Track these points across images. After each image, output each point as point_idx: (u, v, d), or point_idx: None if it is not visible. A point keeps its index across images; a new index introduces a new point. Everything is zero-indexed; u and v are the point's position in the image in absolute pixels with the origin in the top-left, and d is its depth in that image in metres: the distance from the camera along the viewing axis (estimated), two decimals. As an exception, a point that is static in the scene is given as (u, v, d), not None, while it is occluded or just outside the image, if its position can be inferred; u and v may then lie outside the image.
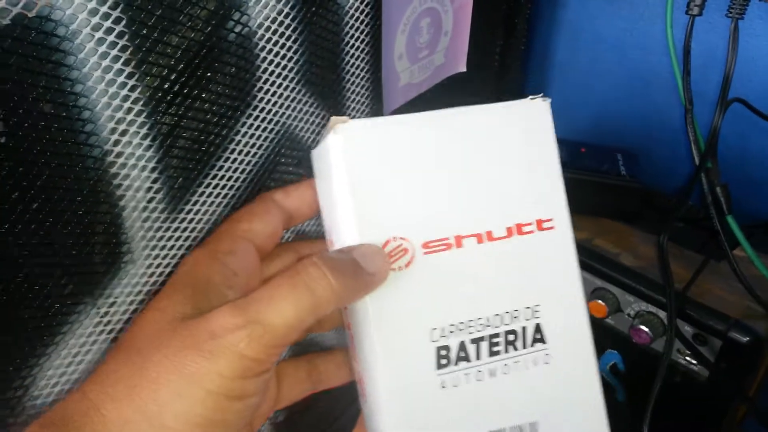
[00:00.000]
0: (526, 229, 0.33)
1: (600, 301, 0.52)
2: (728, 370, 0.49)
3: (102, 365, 0.29)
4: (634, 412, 0.49)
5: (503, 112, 0.34)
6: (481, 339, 0.31)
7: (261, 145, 0.36)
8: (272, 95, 0.36)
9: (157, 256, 0.33)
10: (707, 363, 0.49)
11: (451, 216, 0.32)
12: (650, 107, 0.64)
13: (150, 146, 0.30)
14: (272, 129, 0.37)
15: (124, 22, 0.27)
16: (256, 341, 0.27)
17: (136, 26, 0.27)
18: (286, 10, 0.34)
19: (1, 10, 0.23)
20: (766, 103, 0.54)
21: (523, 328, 0.32)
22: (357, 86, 0.43)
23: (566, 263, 0.33)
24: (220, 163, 0.34)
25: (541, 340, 0.32)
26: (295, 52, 0.36)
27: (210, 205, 0.35)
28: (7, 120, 0.24)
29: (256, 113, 0.35)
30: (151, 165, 0.31)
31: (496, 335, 0.32)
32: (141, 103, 0.29)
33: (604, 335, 0.55)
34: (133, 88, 0.28)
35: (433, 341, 0.31)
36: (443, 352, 0.31)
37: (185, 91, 0.30)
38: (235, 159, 0.35)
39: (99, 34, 0.26)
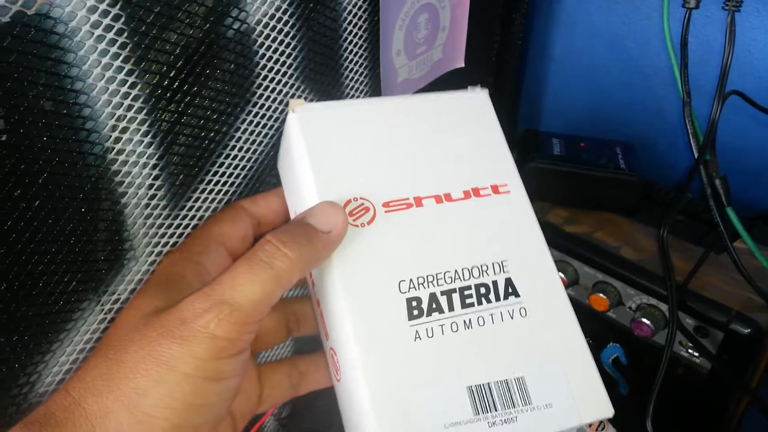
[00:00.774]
0: (483, 192, 0.34)
1: (601, 295, 0.53)
2: (730, 361, 0.49)
3: (83, 364, 0.30)
4: (636, 405, 0.49)
5: (449, 98, 0.37)
6: (452, 291, 0.32)
7: (261, 141, 0.37)
8: (271, 91, 0.36)
9: (159, 253, 0.33)
10: (709, 355, 0.49)
11: (408, 180, 0.34)
12: (648, 100, 0.65)
13: (151, 143, 0.30)
14: (272, 125, 0.37)
15: (123, 19, 0.27)
16: (225, 320, 0.27)
17: (135, 23, 0.27)
18: (284, 6, 0.34)
19: (1, 7, 0.23)
20: (764, 95, 0.54)
21: (494, 282, 0.32)
22: (355, 82, 0.43)
23: (527, 223, 0.35)
24: (221, 159, 0.34)
25: (514, 294, 0.32)
26: (293, 49, 0.36)
27: (211, 202, 0.35)
28: (8, 118, 0.24)
29: (255, 109, 0.35)
30: (152, 162, 0.31)
31: (467, 288, 0.32)
32: (141, 100, 0.29)
33: (605, 328, 0.55)
34: (132, 86, 0.28)
35: (403, 293, 0.31)
36: (414, 303, 0.31)
37: (185, 88, 0.31)
38: (236, 155, 0.35)
39: (98, 32, 0.26)
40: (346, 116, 0.34)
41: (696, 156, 0.51)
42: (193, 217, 0.34)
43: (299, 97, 0.38)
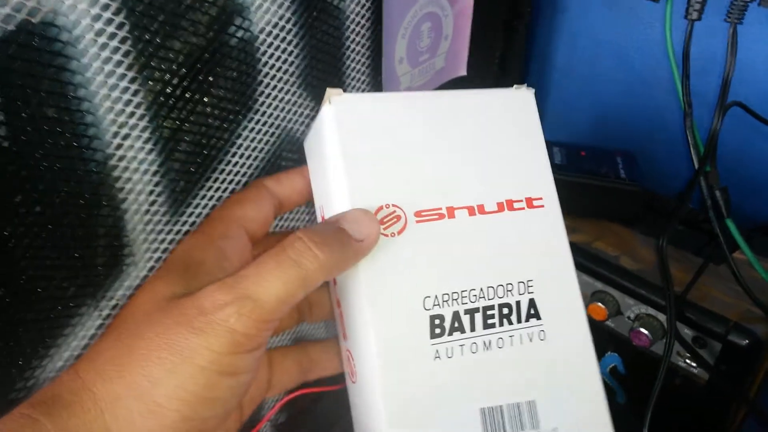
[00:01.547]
0: (516, 205, 0.33)
1: (600, 304, 0.53)
2: (728, 372, 0.49)
3: (94, 346, 0.29)
4: (634, 415, 0.49)
5: (491, 97, 0.35)
6: (476, 310, 0.31)
7: (262, 149, 0.37)
8: (273, 99, 0.36)
9: (159, 259, 0.33)
10: (707, 366, 0.49)
11: (442, 188, 0.32)
12: (650, 111, 0.65)
13: (152, 150, 0.30)
14: (273, 132, 0.37)
15: (126, 27, 0.27)
16: (245, 316, 0.27)
17: (139, 32, 0.27)
18: (288, 15, 0.34)
19: (6, 16, 0.23)
20: (765, 107, 0.54)
21: (517, 303, 0.32)
22: (358, 90, 0.43)
23: (557, 241, 0.34)
24: (222, 166, 0.35)
25: (536, 316, 0.32)
26: (296, 57, 0.36)
27: (211, 209, 0.35)
28: (10, 124, 0.25)
29: (257, 117, 0.35)
30: (153, 169, 0.31)
31: (491, 308, 0.32)
32: (143, 107, 0.29)
33: (604, 338, 0.55)
34: (135, 93, 0.28)
35: (427, 309, 0.31)
36: (437, 322, 0.31)
37: (187, 95, 0.31)
38: (237, 162, 0.35)
39: (102, 40, 0.26)
40: (383, 111, 0.33)
41: (696, 167, 0.51)
42: (193, 223, 0.34)
43: (300, 105, 0.38)
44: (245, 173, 0.36)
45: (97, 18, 0.26)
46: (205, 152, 0.33)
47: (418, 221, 0.32)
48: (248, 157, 0.36)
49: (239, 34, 0.32)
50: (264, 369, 0.35)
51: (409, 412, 0.29)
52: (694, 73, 0.51)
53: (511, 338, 0.32)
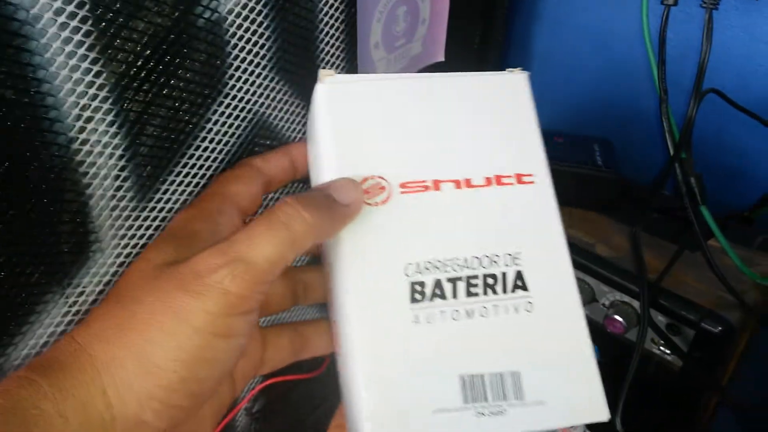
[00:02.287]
0: (505, 180, 0.33)
1: (576, 291, 0.53)
2: (701, 359, 0.49)
3: (90, 313, 0.30)
4: (608, 401, 0.49)
5: (484, 78, 0.36)
6: (458, 279, 0.31)
7: (233, 134, 0.36)
8: (244, 83, 0.35)
9: (126, 245, 0.32)
10: (680, 353, 0.50)
11: (429, 161, 0.33)
12: (627, 97, 0.65)
13: (117, 133, 0.30)
14: (245, 117, 0.36)
15: (87, 6, 0.26)
16: (239, 278, 0.28)
17: (101, 11, 0.27)
18: (258, -4, 0.34)
19: (-41, -8, 0.22)
20: (741, 94, 0.54)
21: (503, 273, 0.32)
22: (332, 75, 0.42)
23: (548, 216, 0.33)
24: (191, 151, 0.34)
25: (523, 287, 0.32)
26: (267, 39, 0.36)
27: (181, 194, 0.34)
28: (-33, 106, 0.24)
29: (227, 101, 0.35)
30: (119, 153, 0.30)
31: (474, 277, 0.31)
32: (106, 89, 0.28)
33: (579, 325, 0.55)
34: (98, 74, 0.28)
35: (408, 275, 0.31)
36: (418, 287, 0.31)
37: (153, 77, 0.30)
38: (207, 147, 0.35)
39: (62, 19, 0.25)
40: (375, 91, 0.34)
41: (672, 153, 0.51)
42: (162, 209, 0.34)
43: (273, 89, 0.37)
44: (216, 158, 0.36)
45: (56, -4, 0.25)
46: (173, 136, 0.32)
47: (402, 192, 0.32)
48: (219, 142, 0.35)
49: (206, 14, 0.31)
50: (257, 345, 0.36)
51: (385, 374, 0.29)
52: (671, 60, 0.51)
53: (495, 308, 0.31)
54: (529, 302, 0.32)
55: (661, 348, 0.51)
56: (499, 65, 0.64)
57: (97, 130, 0.29)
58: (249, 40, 0.34)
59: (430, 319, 0.30)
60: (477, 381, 0.30)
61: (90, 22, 0.26)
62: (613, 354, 0.55)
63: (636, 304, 0.51)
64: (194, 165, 0.34)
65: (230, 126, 0.36)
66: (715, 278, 0.50)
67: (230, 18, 0.33)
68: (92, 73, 0.27)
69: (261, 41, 0.35)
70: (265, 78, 0.37)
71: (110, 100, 0.29)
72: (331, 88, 0.33)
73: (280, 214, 0.29)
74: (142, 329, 0.27)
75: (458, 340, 0.31)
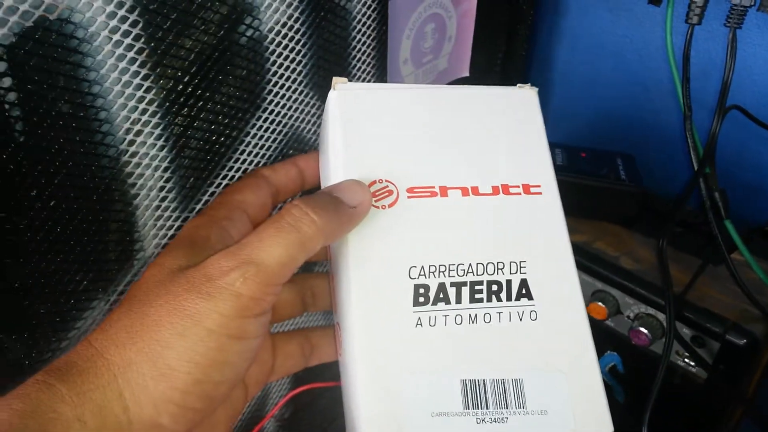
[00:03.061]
0: (513, 190, 0.33)
1: (600, 303, 0.53)
2: (726, 372, 0.49)
3: (107, 318, 0.30)
4: (633, 414, 0.50)
5: (494, 92, 0.36)
6: (463, 284, 0.31)
7: (269, 146, 0.37)
8: (281, 98, 0.36)
9: (167, 254, 0.34)
10: (705, 365, 0.50)
11: (437, 168, 0.33)
12: (650, 113, 0.65)
13: (163, 147, 0.31)
14: (280, 131, 0.38)
15: (140, 25, 0.27)
16: (251, 280, 0.28)
17: (152, 29, 0.28)
18: (296, 15, 0.35)
19: (24, 12, 0.23)
20: (764, 111, 0.55)
21: (508, 281, 0.32)
22: (363, 90, 0.43)
23: (554, 227, 0.33)
24: (230, 163, 0.35)
25: (528, 296, 0.32)
26: (303, 56, 0.37)
27: (219, 205, 0.35)
28: (26, 119, 0.25)
29: (265, 115, 0.36)
30: (164, 165, 0.31)
31: (479, 283, 0.31)
32: (155, 104, 0.30)
33: (603, 337, 0.56)
34: (147, 90, 0.29)
35: (412, 278, 0.31)
36: (421, 290, 0.31)
37: (198, 93, 0.31)
38: (245, 159, 0.36)
39: (116, 37, 0.27)
40: (387, 99, 0.34)
41: (696, 169, 0.52)
42: (202, 219, 0.35)
43: (307, 104, 0.39)
44: (253, 171, 0.37)
45: (111, 15, 0.26)
46: (214, 149, 0.34)
47: (410, 197, 0.32)
48: (256, 155, 0.36)
49: (249, 33, 0.33)
50: (268, 353, 0.36)
51: (385, 375, 0.29)
52: (694, 77, 0.51)
53: (499, 314, 0.31)
54: (534, 311, 0.32)
55: (686, 360, 0.51)
56: (522, 81, 0.65)
57: (145, 143, 0.30)
58: (287, 57, 0.36)
59: (433, 323, 0.30)
60: (478, 387, 0.30)
61: (142, 39, 0.28)
62: (637, 366, 0.55)
63: (661, 316, 0.51)
64: (233, 177, 0.35)
65: (267, 139, 0.37)
66: (738, 291, 0.50)
67: (270, 36, 0.34)
68: (143, 88, 0.29)
69: (298, 58, 0.36)
70: (300, 93, 0.38)
71: (158, 115, 0.30)
72: (344, 95, 0.33)
73: (289, 217, 0.29)
74: (153, 331, 0.27)
75: (460, 345, 0.30)
